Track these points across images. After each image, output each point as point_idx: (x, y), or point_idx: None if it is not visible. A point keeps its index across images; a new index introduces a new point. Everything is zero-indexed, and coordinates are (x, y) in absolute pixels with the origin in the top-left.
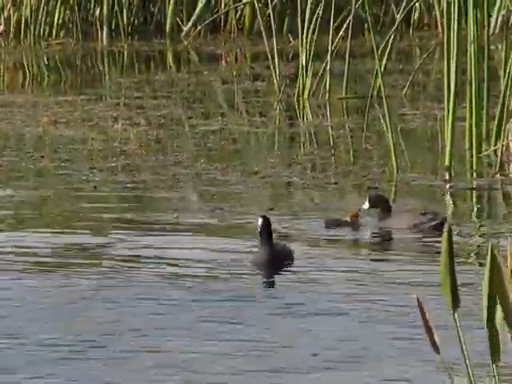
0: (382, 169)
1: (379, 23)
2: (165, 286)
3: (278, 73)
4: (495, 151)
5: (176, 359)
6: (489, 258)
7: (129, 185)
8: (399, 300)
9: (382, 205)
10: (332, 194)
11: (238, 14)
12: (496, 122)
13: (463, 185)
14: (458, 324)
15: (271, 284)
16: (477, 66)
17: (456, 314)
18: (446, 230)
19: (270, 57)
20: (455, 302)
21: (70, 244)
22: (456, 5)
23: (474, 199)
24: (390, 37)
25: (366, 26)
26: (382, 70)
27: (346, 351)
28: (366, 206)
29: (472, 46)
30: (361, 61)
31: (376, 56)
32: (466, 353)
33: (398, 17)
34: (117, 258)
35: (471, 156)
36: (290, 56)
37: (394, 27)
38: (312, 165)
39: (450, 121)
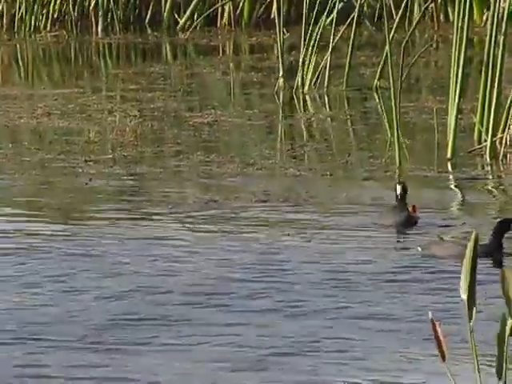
0: (379, 160)
1: (375, 16)
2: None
3: (276, 64)
4: (499, 141)
5: None
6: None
7: (124, 177)
8: None
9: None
10: (328, 185)
11: (234, 7)
12: (504, 114)
13: (464, 176)
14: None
15: None
16: (487, 57)
17: (471, 322)
18: (472, 238)
19: (268, 49)
20: (471, 310)
21: (65, 234)
22: None
23: (476, 190)
24: (409, 30)
25: (361, 18)
26: (374, 61)
27: None
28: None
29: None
30: (354, 53)
31: (388, 48)
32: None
33: (400, 12)
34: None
35: (473, 147)
36: (287, 48)
37: (396, 21)
38: (308, 156)
39: (453, 113)
